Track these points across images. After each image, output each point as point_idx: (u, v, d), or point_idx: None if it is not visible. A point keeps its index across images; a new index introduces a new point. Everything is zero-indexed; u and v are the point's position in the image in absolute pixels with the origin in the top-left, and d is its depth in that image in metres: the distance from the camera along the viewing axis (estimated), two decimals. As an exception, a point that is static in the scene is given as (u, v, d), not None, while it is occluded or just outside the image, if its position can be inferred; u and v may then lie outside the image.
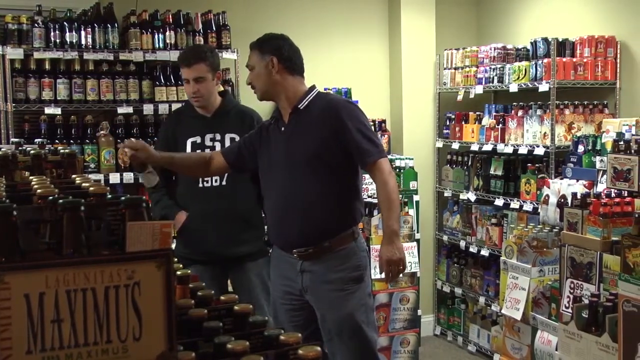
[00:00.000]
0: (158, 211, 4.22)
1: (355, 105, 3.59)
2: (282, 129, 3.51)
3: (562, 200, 4.58)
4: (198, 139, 4.09)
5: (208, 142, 4.09)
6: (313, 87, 3.58)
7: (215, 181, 4.06)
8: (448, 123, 6.52)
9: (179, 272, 1.77)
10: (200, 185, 4.06)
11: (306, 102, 3.48)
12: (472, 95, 6.22)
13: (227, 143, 4.06)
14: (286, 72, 3.50)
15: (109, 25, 5.35)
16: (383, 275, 3.43)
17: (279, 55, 3.50)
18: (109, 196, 1.53)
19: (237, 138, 4.03)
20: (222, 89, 4.58)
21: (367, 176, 4.34)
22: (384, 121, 6.47)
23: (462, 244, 6.19)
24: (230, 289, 4.31)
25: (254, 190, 4.03)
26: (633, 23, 5.42)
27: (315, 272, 3.42)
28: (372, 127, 3.61)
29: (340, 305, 3.39)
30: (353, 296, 3.42)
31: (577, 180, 4.66)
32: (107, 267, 1.30)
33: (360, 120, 3.44)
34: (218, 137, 4.09)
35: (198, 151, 4.06)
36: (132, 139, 4.01)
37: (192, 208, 4.08)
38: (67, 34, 5.21)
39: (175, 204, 4.20)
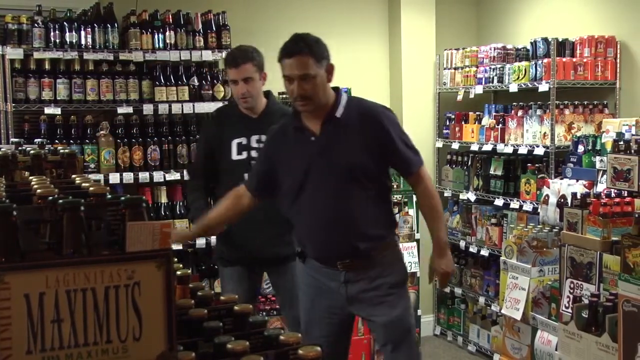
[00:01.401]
0: (191, 213, 4.23)
1: (391, 110, 3.44)
2: (312, 138, 3.28)
3: (562, 200, 4.58)
4: (244, 140, 4.03)
5: (254, 144, 4.01)
6: (339, 91, 3.36)
7: None
8: (448, 123, 6.52)
9: (179, 272, 1.77)
10: None
11: (342, 110, 3.27)
12: (472, 95, 6.22)
13: None
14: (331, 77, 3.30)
15: (108, 25, 5.35)
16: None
17: (329, 59, 3.27)
18: (109, 196, 1.53)
19: None
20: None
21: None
22: (383, 121, 6.47)
23: (462, 244, 6.19)
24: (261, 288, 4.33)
25: None
26: (633, 23, 5.42)
27: (361, 282, 3.31)
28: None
29: (390, 310, 3.32)
30: (401, 299, 3.38)
31: (577, 180, 4.66)
32: (107, 267, 1.30)
33: (400, 128, 3.34)
34: (264, 138, 3.92)
35: (244, 153, 4.00)
36: (176, 231, 3.81)
37: None
38: (67, 34, 5.21)
39: (208, 207, 4.14)
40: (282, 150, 3.40)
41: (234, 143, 4.03)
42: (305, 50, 3.15)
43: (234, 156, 4.02)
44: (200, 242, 5.58)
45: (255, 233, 3.96)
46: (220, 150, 4.05)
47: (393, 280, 3.34)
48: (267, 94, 4.19)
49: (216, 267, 5.79)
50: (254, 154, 3.97)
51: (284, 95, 6.30)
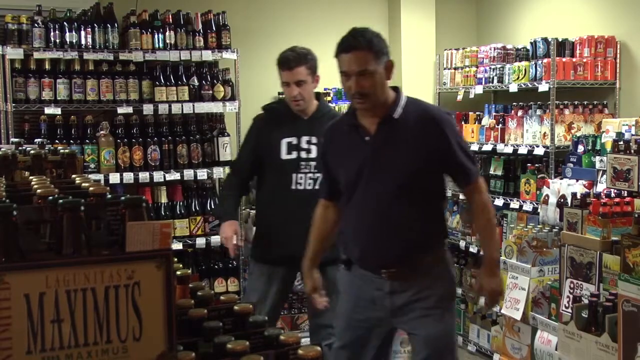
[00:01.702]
0: (216, 210, 4.19)
1: (451, 115, 3.27)
2: (367, 138, 3.10)
3: (562, 200, 4.58)
4: (294, 140, 3.97)
5: (304, 145, 3.95)
6: (399, 91, 3.15)
7: (309, 185, 3.93)
8: (448, 123, 6.52)
9: (178, 272, 1.77)
10: (293, 187, 3.94)
11: (400, 111, 3.06)
12: (471, 95, 6.22)
13: None
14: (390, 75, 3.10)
15: (108, 25, 5.36)
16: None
17: (388, 54, 3.06)
18: (109, 196, 1.53)
19: None
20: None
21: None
22: (383, 121, 6.47)
23: (462, 244, 6.18)
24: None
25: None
26: (633, 23, 5.42)
27: (407, 293, 3.11)
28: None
29: (436, 323, 3.12)
30: (448, 313, 3.19)
31: (577, 180, 4.66)
32: (107, 267, 1.30)
33: (459, 135, 3.17)
34: (314, 140, 3.93)
35: (294, 152, 3.94)
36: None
37: (280, 210, 3.97)
38: (67, 34, 5.22)
39: (234, 209, 4.20)
40: (336, 149, 3.26)
41: (284, 142, 3.97)
42: (363, 45, 2.98)
43: (284, 155, 3.96)
44: (200, 242, 5.58)
45: (295, 233, 3.82)
46: (269, 148, 3.98)
47: (441, 293, 3.14)
48: (318, 96, 4.12)
49: (216, 266, 5.81)
50: (303, 154, 3.93)
51: (284, 95, 6.30)
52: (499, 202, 5.64)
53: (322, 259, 3.89)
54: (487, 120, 6.01)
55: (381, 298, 3.14)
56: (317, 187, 3.90)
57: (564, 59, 5.42)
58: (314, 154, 3.92)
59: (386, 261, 3.12)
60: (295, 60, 3.95)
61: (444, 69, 6.66)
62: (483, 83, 6.10)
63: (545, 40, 5.52)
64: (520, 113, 5.66)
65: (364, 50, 2.96)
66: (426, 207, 3.12)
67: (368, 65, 2.96)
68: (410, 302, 3.11)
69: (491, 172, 5.84)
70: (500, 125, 5.80)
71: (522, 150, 5.49)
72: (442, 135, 3.02)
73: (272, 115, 4.13)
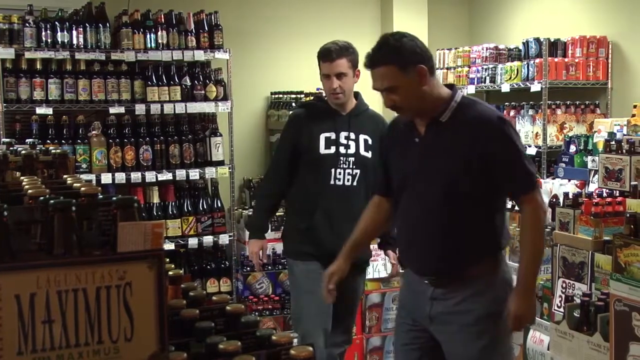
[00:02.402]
0: (249, 220, 4.15)
1: (508, 121, 3.02)
2: (416, 139, 2.96)
3: (554, 200, 4.58)
4: (332, 135, 3.92)
5: (342, 140, 3.91)
6: (454, 91, 2.95)
7: (347, 181, 3.90)
8: (440, 123, 6.52)
9: (170, 273, 1.76)
10: (332, 182, 3.89)
11: (449, 114, 2.87)
12: (464, 95, 6.23)
13: (361, 143, 3.92)
14: (431, 76, 2.88)
15: (100, 25, 5.35)
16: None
17: (423, 60, 2.84)
18: (101, 196, 1.53)
19: (370, 141, 3.92)
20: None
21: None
22: (376, 121, 6.48)
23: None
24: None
25: None
26: (624, 23, 5.44)
27: (447, 302, 2.92)
28: (525, 149, 3.01)
29: (469, 343, 2.88)
30: (486, 335, 2.89)
31: (569, 180, 4.67)
32: (98, 268, 1.30)
33: (514, 143, 2.87)
34: (352, 136, 3.92)
35: (333, 147, 3.89)
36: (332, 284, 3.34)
37: (320, 205, 3.91)
38: (59, 33, 5.20)
39: (266, 224, 4.19)
40: (393, 146, 3.14)
41: (322, 137, 3.92)
42: (384, 61, 2.83)
43: (322, 150, 3.90)
44: (193, 242, 5.57)
45: (336, 228, 3.84)
46: (307, 144, 3.93)
47: (484, 310, 2.87)
48: (357, 94, 4.06)
49: (208, 267, 5.81)
50: (342, 149, 3.89)
51: (276, 95, 6.30)
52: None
53: (360, 260, 3.84)
54: (479, 120, 6.02)
55: (423, 303, 2.99)
56: (355, 183, 3.89)
57: (556, 59, 5.44)
58: (352, 150, 3.90)
59: (426, 267, 2.99)
60: (337, 52, 3.89)
61: (437, 69, 6.66)
62: (475, 83, 6.11)
63: (537, 40, 5.53)
64: (512, 113, 5.68)
65: (384, 65, 2.83)
66: (473, 215, 2.90)
67: (392, 82, 2.83)
68: (449, 312, 2.92)
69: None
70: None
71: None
72: (491, 140, 2.82)
73: (310, 111, 4.08)
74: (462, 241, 2.88)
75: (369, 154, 3.93)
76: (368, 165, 3.91)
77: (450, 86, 2.98)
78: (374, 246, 4.38)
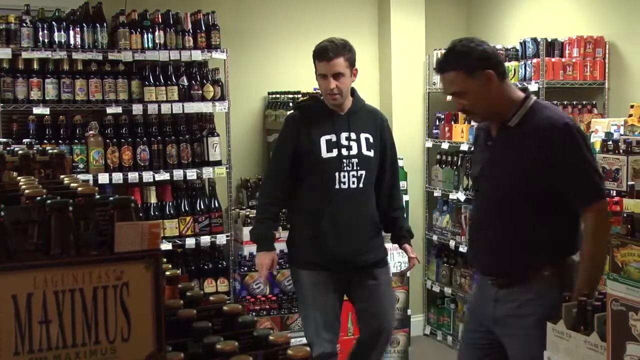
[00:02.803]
0: (254, 232, 4.02)
1: (577, 128, 2.90)
2: (489, 143, 3.03)
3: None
4: (333, 137, 3.82)
5: (343, 141, 3.82)
6: (528, 96, 2.96)
7: (353, 183, 3.81)
8: (437, 123, 6.53)
9: (168, 273, 1.77)
10: (337, 187, 3.80)
11: (518, 119, 2.90)
12: (461, 96, 6.23)
13: (363, 143, 3.84)
14: (501, 80, 2.92)
15: (97, 25, 5.34)
16: None
17: (492, 65, 2.89)
18: (98, 196, 1.53)
19: (371, 138, 3.86)
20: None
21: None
22: (373, 121, 6.48)
23: (452, 243, 6.19)
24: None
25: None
26: (622, 23, 5.45)
27: (509, 304, 2.96)
28: (594, 157, 2.94)
29: (529, 346, 2.85)
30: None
31: (566, 180, 4.67)
32: (95, 268, 1.30)
33: (581, 150, 2.82)
34: (353, 136, 3.83)
35: (335, 150, 3.80)
36: None
37: (326, 211, 3.82)
38: (56, 33, 5.20)
39: (272, 233, 4.03)
40: (476, 147, 3.23)
41: (323, 140, 3.82)
42: (452, 66, 2.91)
43: (324, 154, 3.81)
44: (190, 242, 5.57)
45: (344, 235, 3.80)
46: (307, 148, 3.83)
47: (543, 314, 2.78)
48: (353, 91, 3.97)
49: (206, 267, 5.80)
50: (344, 152, 3.80)
51: (274, 95, 6.30)
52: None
53: (370, 261, 3.88)
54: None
55: (488, 304, 3.04)
56: (361, 185, 3.81)
57: (553, 59, 5.44)
58: (355, 151, 3.82)
59: (489, 267, 3.05)
60: (334, 51, 3.77)
61: (434, 68, 6.66)
62: (472, 83, 6.11)
63: (534, 40, 5.53)
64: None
65: (452, 70, 2.90)
66: (536, 220, 2.90)
67: (460, 87, 2.90)
68: (511, 315, 2.96)
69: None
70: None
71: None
72: (555, 147, 2.81)
73: (307, 113, 3.97)
74: (524, 244, 2.90)
75: (371, 153, 3.87)
76: (372, 165, 3.86)
77: (524, 90, 3.00)
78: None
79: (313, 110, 3.96)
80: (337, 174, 3.79)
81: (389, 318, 4.05)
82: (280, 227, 4.98)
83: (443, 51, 3.02)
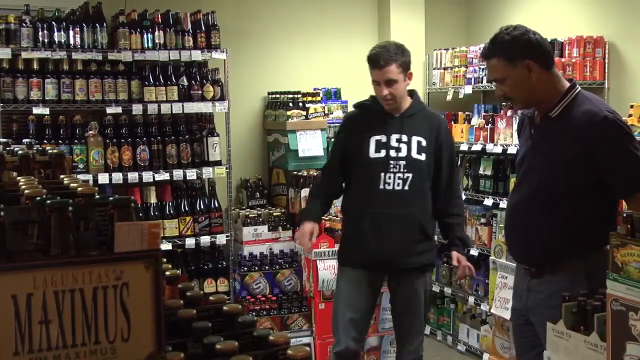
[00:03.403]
0: (300, 215, 4.13)
1: (616, 119, 2.87)
2: (532, 131, 3.07)
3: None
4: (383, 138, 3.82)
5: (393, 143, 3.81)
6: (573, 86, 2.98)
7: (398, 185, 3.79)
8: (437, 123, 6.53)
9: (167, 273, 1.76)
10: (381, 187, 3.79)
11: (559, 109, 2.92)
12: (461, 95, 6.23)
13: (414, 146, 3.82)
14: (544, 70, 2.95)
15: (97, 25, 5.34)
16: None
17: (534, 55, 2.93)
18: (97, 196, 1.53)
19: (424, 142, 3.83)
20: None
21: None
22: (373, 121, 6.48)
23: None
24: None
25: (431, 197, 3.90)
26: (621, 23, 5.45)
27: (539, 294, 3.01)
28: (636, 147, 2.87)
29: None
30: None
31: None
32: (95, 268, 1.30)
33: (618, 142, 2.83)
34: (404, 138, 3.81)
35: (383, 151, 3.81)
36: None
37: (367, 212, 3.82)
38: (56, 33, 5.20)
39: (317, 214, 4.04)
40: (520, 134, 3.28)
41: (373, 140, 3.83)
42: (494, 53, 2.99)
43: (372, 154, 3.82)
44: (190, 242, 5.57)
45: (385, 236, 3.80)
46: (357, 146, 3.86)
47: None
48: (412, 93, 3.97)
49: (206, 267, 5.81)
50: (392, 153, 3.80)
51: (274, 95, 6.30)
52: (489, 202, 5.66)
53: (410, 266, 3.87)
54: (476, 120, 6.02)
55: (523, 292, 3.11)
56: (407, 187, 3.80)
57: (552, 59, 5.44)
58: (403, 153, 3.81)
59: (523, 257, 3.11)
60: (385, 59, 3.75)
61: (434, 69, 6.67)
62: (472, 83, 6.11)
63: (534, 40, 5.53)
64: (509, 113, 5.67)
65: (494, 57, 2.98)
66: (570, 211, 2.92)
67: (500, 74, 2.98)
68: (540, 306, 3.00)
69: (480, 172, 5.85)
70: (490, 125, 5.81)
71: (512, 150, 5.50)
72: (593, 139, 2.82)
73: (363, 113, 4.00)
74: (557, 234, 2.94)
75: (422, 157, 3.83)
76: (423, 168, 3.84)
77: (570, 81, 3.03)
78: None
79: (369, 110, 3.96)
80: (382, 174, 3.79)
81: (416, 326, 4.04)
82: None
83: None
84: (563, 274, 2.95)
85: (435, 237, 4.15)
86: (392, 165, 3.79)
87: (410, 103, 3.92)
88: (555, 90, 2.96)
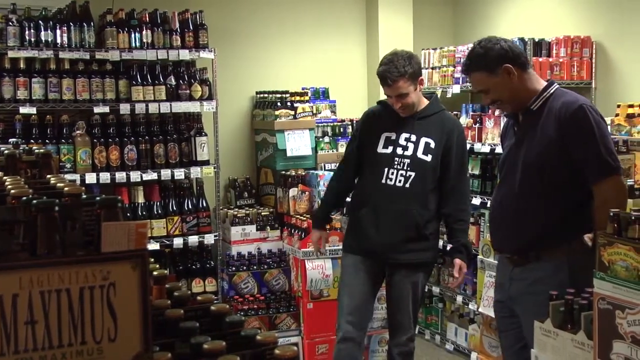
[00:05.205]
0: (315, 211, 4.32)
1: (590, 108, 3.04)
2: (515, 129, 3.24)
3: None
4: (393, 135, 3.98)
5: (402, 141, 3.95)
6: (551, 84, 3.17)
7: (399, 182, 3.92)
8: (426, 122, 6.54)
9: (155, 273, 1.76)
10: (383, 181, 3.94)
11: (539, 103, 3.11)
12: (449, 95, 6.25)
13: (421, 146, 3.94)
14: (522, 71, 3.13)
15: (84, 24, 5.32)
16: None
17: (509, 59, 3.11)
18: (84, 196, 1.52)
19: (433, 144, 3.94)
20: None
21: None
22: (361, 121, 6.49)
23: (440, 243, 6.20)
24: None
25: (436, 199, 3.99)
26: (608, 23, 5.47)
27: (523, 281, 3.13)
28: (607, 136, 3.05)
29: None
30: None
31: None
32: (81, 268, 1.29)
33: (590, 130, 2.97)
34: (413, 138, 3.94)
35: (390, 147, 3.96)
36: None
37: (368, 203, 3.99)
38: (42, 32, 5.17)
39: (326, 215, 4.42)
40: (503, 140, 3.46)
41: (383, 136, 4.00)
42: (474, 67, 3.17)
43: (380, 149, 3.98)
44: (178, 242, 5.56)
45: (381, 227, 3.94)
46: (369, 141, 4.03)
47: (555, 290, 2.79)
48: (431, 95, 4.15)
49: (194, 267, 5.80)
50: (399, 150, 3.94)
51: (262, 95, 6.29)
52: (477, 201, 5.67)
53: (402, 262, 3.97)
54: (464, 120, 6.03)
55: (505, 282, 3.24)
56: (407, 185, 3.92)
57: (540, 59, 5.47)
58: (409, 152, 3.93)
59: (505, 245, 3.24)
60: (393, 77, 3.88)
61: (422, 68, 6.68)
62: (460, 83, 6.13)
63: (522, 40, 5.55)
64: (497, 112, 5.69)
65: (476, 72, 3.16)
66: (551, 200, 3.07)
67: (484, 85, 3.16)
68: (524, 293, 3.13)
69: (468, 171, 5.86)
70: (478, 124, 5.83)
71: (499, 150, 5.49)
72: (568, 126, 2.98)
73: (382, 109, 4.13)
74: (539, 223, 3.08)
75: (427, 157, 3.93)
76: (427, 169, 3.93)
77: (550, 83, 3.20)
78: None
79: (387, 108, 4.08)
80: (386, 169, 3.94)
81: (404, 322, 4.10)
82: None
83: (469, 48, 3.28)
84: (546, 259, 3.07)
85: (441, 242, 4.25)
86: (396, 162, 3.94)
87: (427, 105, 4.04)
88: (534, 88, 3.15)
